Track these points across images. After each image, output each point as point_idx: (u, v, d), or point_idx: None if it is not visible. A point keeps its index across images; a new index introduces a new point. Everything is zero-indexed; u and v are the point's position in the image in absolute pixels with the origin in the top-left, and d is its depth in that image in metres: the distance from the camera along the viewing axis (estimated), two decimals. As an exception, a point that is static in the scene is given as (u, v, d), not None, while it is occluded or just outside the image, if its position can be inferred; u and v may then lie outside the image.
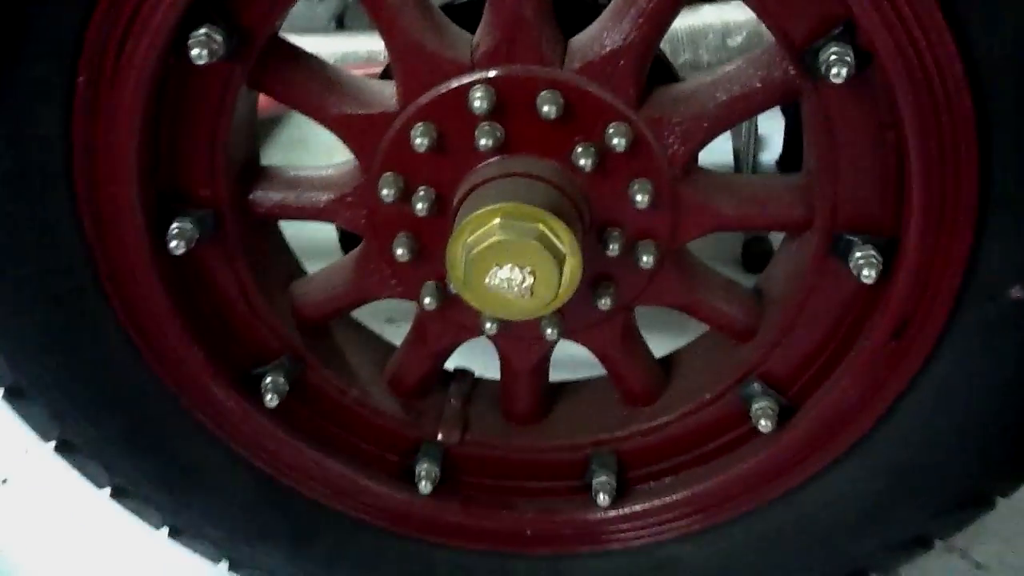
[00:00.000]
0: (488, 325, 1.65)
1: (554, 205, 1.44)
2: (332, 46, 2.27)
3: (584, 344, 1.74)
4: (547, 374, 1.83)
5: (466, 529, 1.83)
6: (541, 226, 1.41)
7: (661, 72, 1.59)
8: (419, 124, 1.49)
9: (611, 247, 1.56)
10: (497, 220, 1.41)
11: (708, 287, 1.71)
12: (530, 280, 1.42)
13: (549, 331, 1.65)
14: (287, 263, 1.82)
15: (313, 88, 1.54)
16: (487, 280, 1.42)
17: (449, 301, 1.64)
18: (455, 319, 1.69)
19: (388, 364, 1.84)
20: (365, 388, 1.81)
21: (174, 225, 1.53)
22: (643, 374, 1.80)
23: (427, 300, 1.63)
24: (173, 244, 1.52)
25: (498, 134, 1.48)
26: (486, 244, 1.40)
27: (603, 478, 1.77)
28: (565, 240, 1.42)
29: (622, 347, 1.74)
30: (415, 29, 1.45)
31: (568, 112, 1.47)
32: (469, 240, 1.41)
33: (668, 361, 1.87)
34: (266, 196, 1.64)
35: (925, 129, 1.36)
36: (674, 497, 1.78)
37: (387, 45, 1.48)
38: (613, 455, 1.81)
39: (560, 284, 1.43)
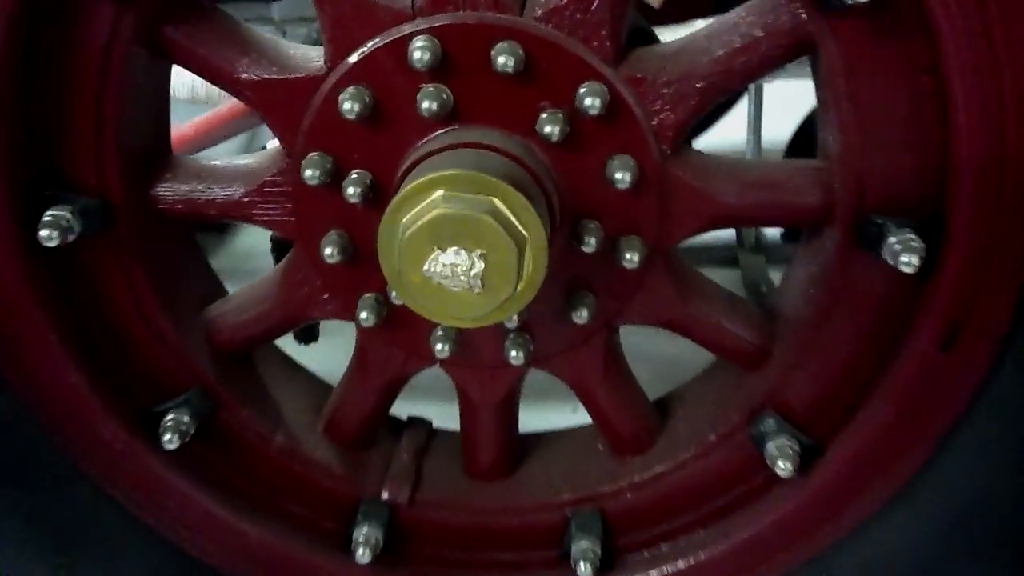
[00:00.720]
0: (439, 346, 1.34)
1: (514, 181, 1.16)
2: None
3: (559, 375, 1.43)
4: (515, 417, 1.51)
5: (416, 611, 1.48)
6: (495, 200, 1.11)
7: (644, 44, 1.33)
8: (350, 88, 1.21)
9: (587, 242, 1.27)
10: (439, 192, 1.12)
11: (706, 300, 1.40)
12: (480, 266, 1.12)
13: (514, 354, 1.34)
14: (202, 279, 1.52)
15: (223, 48, 1.27)
16: (426, 267, 1.12)
17: (393, 317, 1.34)
18: (402, 341, 1.39)
19: (325, 405, 1.52)
20: (294, 434, 1.49)
21: (48, 214, 1.24)
22: (632, 413, 1.47)
23: (364, 315, 1.33)
24: (44, 234, 1.22)
25: (444, 96, 1.20)
26: (425, 220, 1.11)
27: (584, 544, 1.43)
28: (525, 218, 1.12)
29: (605, 378, 1.42)
30: (343, -29, 1.20)
31: (530, 68, 1.20)
32: (405, 220, 1.12)
33: (663, 402, 1.55)
34: (170, 189, 1.35)
35: (974, 68, 1.08)
36: (673, 568, 1.43)
37: (311, -9, 1.22)
38: (597, 516, 1.47)
39: (520, 274, 1.13)
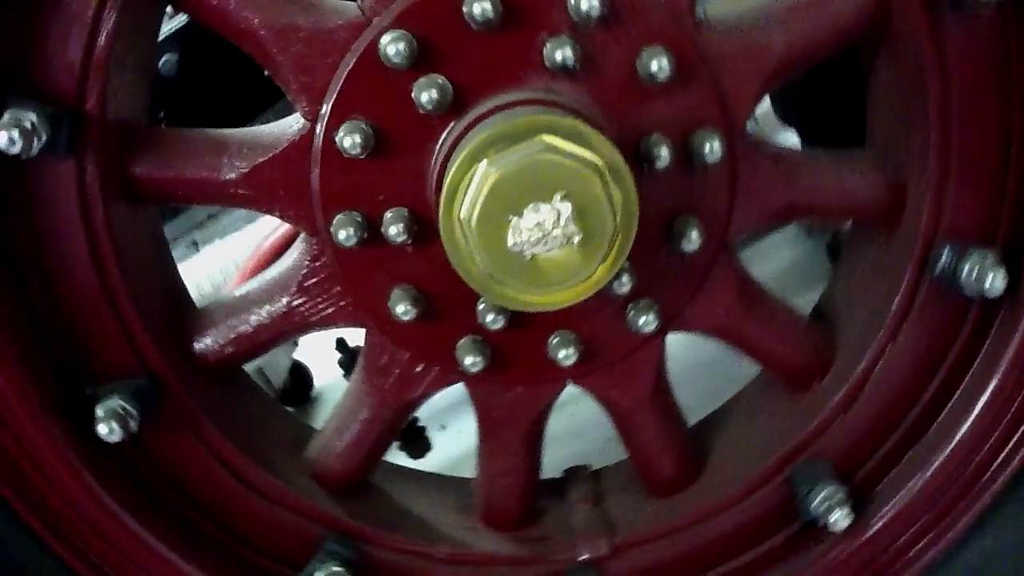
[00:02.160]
0: (564, 353, 1.17)
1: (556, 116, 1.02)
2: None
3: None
4: (673, 405, 1.32)
5: None
6: (544, 137, 0.97)
7: None
8: (394, 32, 1.05)
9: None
10: (482, 162, 0.97)
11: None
12: (567, 208, 0.96)
13: (643, 321, 1.16)
14: (282, 419, 1.35)
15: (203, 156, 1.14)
16: (512, 243, 0.96)
17: (501, 351, 1.18)
18: (521, 373, 1.21)
19: (471, 497, 1.33)
20: (456, 538, 1.30)
21: (99, 408, 1.09)
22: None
23: (469, 360, 1.17)
24: (103, 430, 1.08)
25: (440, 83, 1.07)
26: (484, 194, 0.96)
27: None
28: (587, 141, 0.97)
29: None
30: None
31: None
32: (463, 211, 0.97)
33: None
34: (212, 338, 1.21)
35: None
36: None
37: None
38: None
39: (611, 201, 0.97)
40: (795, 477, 1.25)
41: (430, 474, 1.44)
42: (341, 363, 1.84)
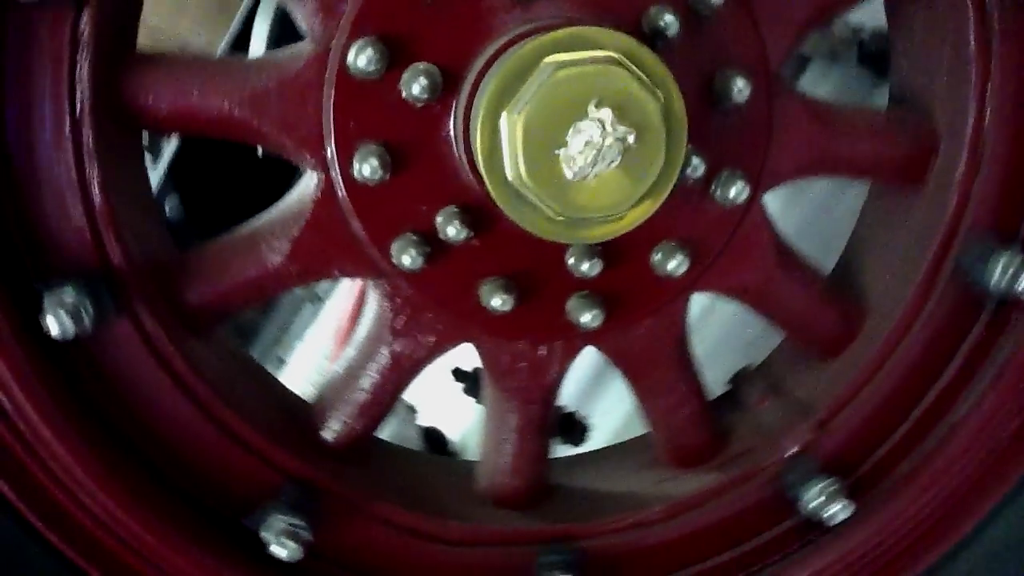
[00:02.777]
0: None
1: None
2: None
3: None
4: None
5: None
6: (548, 58, 0.90)
7: None
8: (356, 43, 0.99)
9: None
10: (503, 115, 0.91)
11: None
12: (607, 113, 0.88)
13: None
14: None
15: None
16: (572, 176, 0.90)
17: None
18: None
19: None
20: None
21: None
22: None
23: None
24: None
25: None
26: (521, 147, 0.90)
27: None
28: (588, 35, 0.91)
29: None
30: None
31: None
32: (509, 173, 0.91)
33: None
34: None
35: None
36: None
37: None
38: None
39: (641, 79, 0.90)
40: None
41: (594, 451, 1.37)
42: (467, 391, 1.78)
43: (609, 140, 0.89)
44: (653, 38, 1.01)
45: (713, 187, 1.08)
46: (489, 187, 0.94)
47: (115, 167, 1.03)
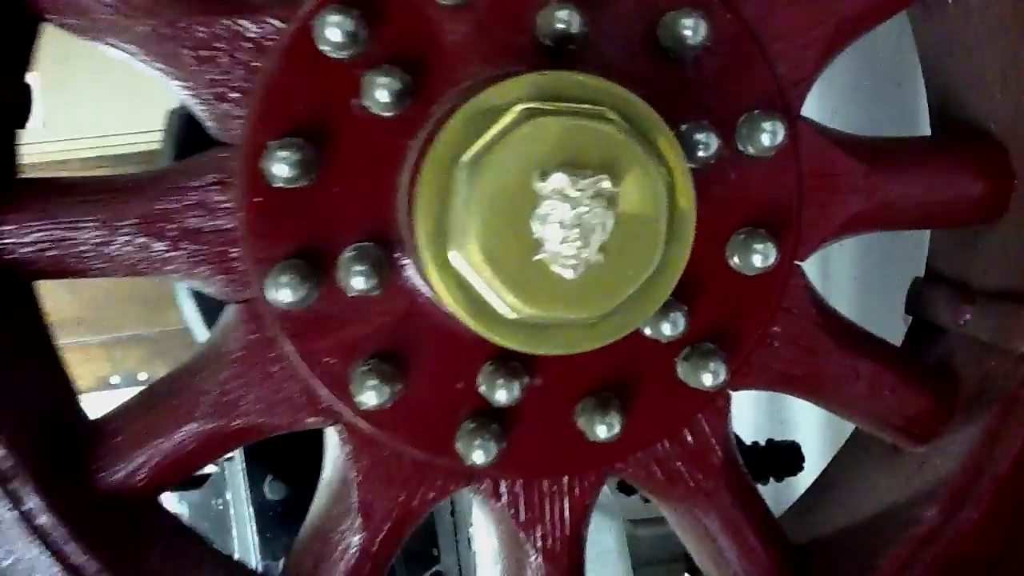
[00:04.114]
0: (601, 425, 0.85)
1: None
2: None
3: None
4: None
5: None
6: (608, 112, 0.70)
7: None
8: None
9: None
10: (518, 108, 0.69)
11: (864, 346, 0.97)
12: (584, 174, 0.67)
13: (709, 376, 0.86)
14: None
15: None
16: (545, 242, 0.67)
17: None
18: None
19: None
20: None
21: None
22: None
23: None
24: None
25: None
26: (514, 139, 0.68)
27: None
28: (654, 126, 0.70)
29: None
30: None
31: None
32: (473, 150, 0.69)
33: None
34: None
35: None
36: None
37: None
38: None
39: (674, 193, 0.69)
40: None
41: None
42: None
43: (595, 204, 0.66)
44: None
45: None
46: (491, 335, 0.73)
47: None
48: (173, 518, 0.95)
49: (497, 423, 0.85)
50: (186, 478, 0.89)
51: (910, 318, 1.10)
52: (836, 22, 0.87)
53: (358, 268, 0.78)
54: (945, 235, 1.07)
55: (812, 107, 0.89)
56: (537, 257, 0.66)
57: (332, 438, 0.88)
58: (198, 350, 0.90)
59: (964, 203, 0.96)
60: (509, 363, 0.82)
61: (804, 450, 1.32)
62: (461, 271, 0.68)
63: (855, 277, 1.89)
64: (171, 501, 1.81)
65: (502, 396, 0.81)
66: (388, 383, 0.80)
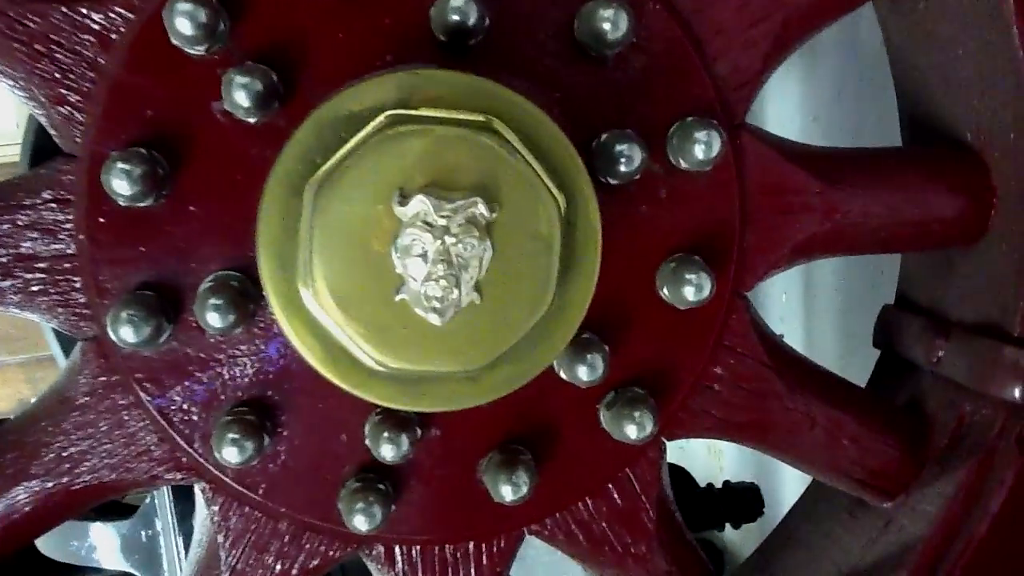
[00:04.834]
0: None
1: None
2: None
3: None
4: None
5: None
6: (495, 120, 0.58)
7: None
8: None
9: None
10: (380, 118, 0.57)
11: (820, 391, 0.85)
12: (489, 218, 0.55)
13: (635, 427, 0.73)
14: None
15: None
16: (411, 295, 0.56)
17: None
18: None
19: None
20: None
21: None
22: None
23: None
24: None
25: None
26: (369, 160, 0.56)
27: None
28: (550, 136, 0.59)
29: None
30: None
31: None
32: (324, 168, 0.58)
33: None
34: None
35: None
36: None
37: None
38: None
39: (575, 219, 0.58)
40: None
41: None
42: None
43: (453, 233, 0.54)
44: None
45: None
46: (353, 389, 0.60)
47: None
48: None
49: (387, 481, 0.72)
50: (22, 546, 0.77)
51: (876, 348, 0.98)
52: (783, 17, 0.75)
53: (214, 302, 0.66)
54: (918, 258, 0.95)
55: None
56: (399, 298, 0.54)
57: (199, 495, 0.76)
58: (43, 393, 0.77)
59: (936, 224, 0.84)
60: (398, 413, 0.70)
61: (784, 488, 1.20)
62: (313, 313, 0.56)
63: (838, 289, 1.78)
64: (102, 531, 1.70)
65: (389, 452, 0.69)
66: (252, 437, 0.68)
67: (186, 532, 1.57)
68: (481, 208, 0.53)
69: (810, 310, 1.78)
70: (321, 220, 0.54)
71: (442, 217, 0.53)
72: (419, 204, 0.53)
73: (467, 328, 0.56)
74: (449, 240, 0.53)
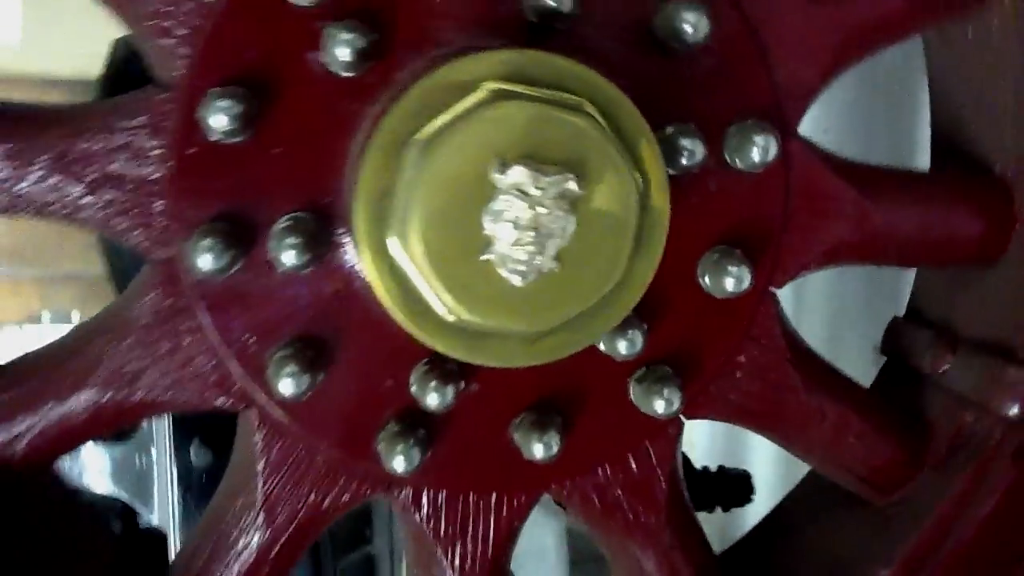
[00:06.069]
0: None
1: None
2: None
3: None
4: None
5: None
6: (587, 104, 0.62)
7: None
8: None
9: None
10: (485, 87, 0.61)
11: (835, 390, 0.90)
12: (578, 194, 0.60)
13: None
14: None
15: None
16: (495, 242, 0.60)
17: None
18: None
19: None
20: None
21: None
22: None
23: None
24: None
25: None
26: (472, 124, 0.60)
27: None
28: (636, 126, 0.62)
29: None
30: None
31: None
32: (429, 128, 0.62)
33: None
34: None
35: None
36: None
37: None
38: None
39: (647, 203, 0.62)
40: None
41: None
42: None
43: (554, 203, 0.59)
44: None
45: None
46: (423, 336, 0.65)
47: None
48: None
49: (425, 428, 0.77)
50: (70, 452, 0.81)
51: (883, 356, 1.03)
52: (845, 35, 0.80)
53: (291, 241, 0.70)
54: (933, 274, 1.01)
55: (804, 124, 0.83)
56: (484, 257, 0.59)
57: (244, 422, 0.80)
58: (103, 310, 0.81)
59: (959, 242, 0.89)
60: (445, 365, 0.74)
61: (756, 480, 1.25)
62: (399, 261, 0.61)
63: (830, 299, 1.83)
64: (93, 452, 1.72)
65: (433, 400, 0.73)
66: (309, 372, 0.72)
67: (182, 465, 1.60)
68: (572, 184, 0.58)
69: (799, 319, 1.84)
70: (423, 177, 0.58)
71: (538, 189, 0.57)
72: (518, 174, 0.57)
73: (541, 293, 0.60)
74: (540, 210, 0.58)
